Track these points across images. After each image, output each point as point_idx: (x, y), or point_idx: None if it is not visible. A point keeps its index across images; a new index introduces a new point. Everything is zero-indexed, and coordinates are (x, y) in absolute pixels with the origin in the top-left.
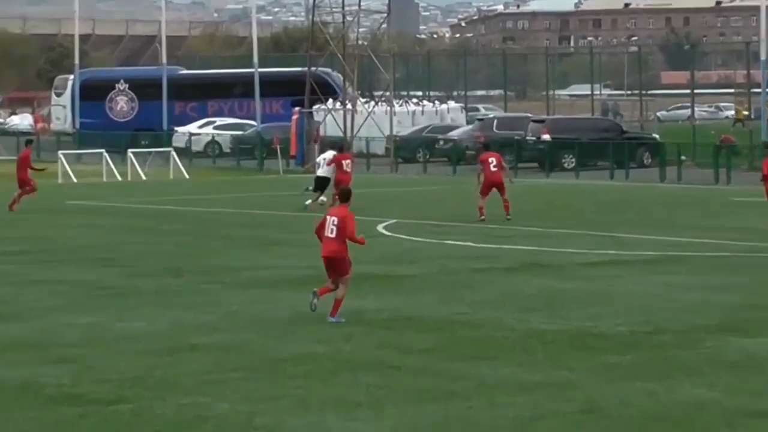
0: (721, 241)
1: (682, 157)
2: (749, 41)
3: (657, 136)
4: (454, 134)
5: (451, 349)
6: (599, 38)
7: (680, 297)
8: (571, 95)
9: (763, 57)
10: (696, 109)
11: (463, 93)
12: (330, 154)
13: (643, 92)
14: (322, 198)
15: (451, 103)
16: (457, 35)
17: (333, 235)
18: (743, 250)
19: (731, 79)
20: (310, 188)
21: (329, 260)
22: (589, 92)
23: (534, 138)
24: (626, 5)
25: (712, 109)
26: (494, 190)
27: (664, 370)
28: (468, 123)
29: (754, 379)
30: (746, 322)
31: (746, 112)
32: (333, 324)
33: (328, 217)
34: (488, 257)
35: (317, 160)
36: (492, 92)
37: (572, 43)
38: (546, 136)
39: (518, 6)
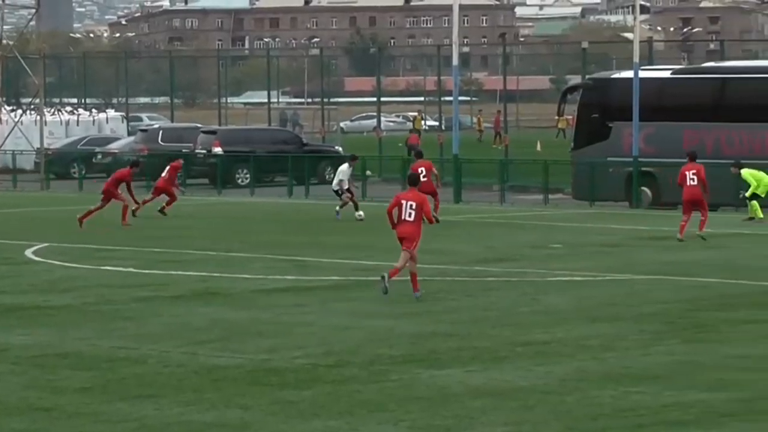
0: None
1: (368, 172)
2: (441, 44)
3: (340, 148)
4: (113, 147)
5: (111, 388)
6: (277, 39)
7: (365, 326)
8: (245, 103)
9: (455, 62)
10: (383, 119)
11: (124, 100)
12: None
13: (326, 100)
14: None
15: (111, 112)
16: (117, 34)
17: (412, 219)
18: (433, 273)
19: (421, 85)
20: None
21: (405, 238)
22: (266, 100)
23: (204, 151)
24: (307, 2)
25: (400, 119)
26: None
27: (347, 407)
28: (130, 134)
29: (443, 413)
30: (435, 352)
31: (431, 122)
32: None
33: (403, 201)
34: (153, 285)
35: None
36: (157, 99)
37: (247, 45)
38: (218, 149)
39: (186, 2)
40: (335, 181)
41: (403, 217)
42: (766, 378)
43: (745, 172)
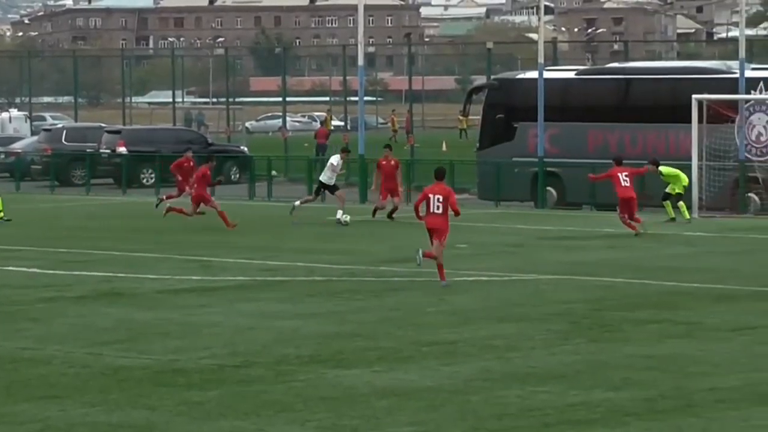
0: (316, 264)
1: (273, 172)
2: (346, 44)
3: (245, 148)
4: (17, 146)
5: (14, 390)
6: (182, 39)
7: (271, 326)
8: (150, 103)
9: (360, 62)
10: (288, 119)
11: (27, 100)
12: None
13: (231, 100)
14: None
15: (14, 112)
16: (20, 33)
17: (440, 211)
18: (339, 274)
19: (326, 85)
20: None
21: (435, 229)
22: (171, 100)
23: (109, 151)
24: (211, 2)
25: (306, 119)
26: None
27: (254, 407)
28: (33, 134)
29: (349, 413)
30: (340, 352)
31: (336, 122)
32: None
33: (431, 195)
34: (58, 285)
35: None
36: (61, 99)
37: (151, 44)
38: (122, 149)
39: (89, 1)
40: (326, 176)
41: (431, 210)
42: (669, 377)
43: (666, 170)
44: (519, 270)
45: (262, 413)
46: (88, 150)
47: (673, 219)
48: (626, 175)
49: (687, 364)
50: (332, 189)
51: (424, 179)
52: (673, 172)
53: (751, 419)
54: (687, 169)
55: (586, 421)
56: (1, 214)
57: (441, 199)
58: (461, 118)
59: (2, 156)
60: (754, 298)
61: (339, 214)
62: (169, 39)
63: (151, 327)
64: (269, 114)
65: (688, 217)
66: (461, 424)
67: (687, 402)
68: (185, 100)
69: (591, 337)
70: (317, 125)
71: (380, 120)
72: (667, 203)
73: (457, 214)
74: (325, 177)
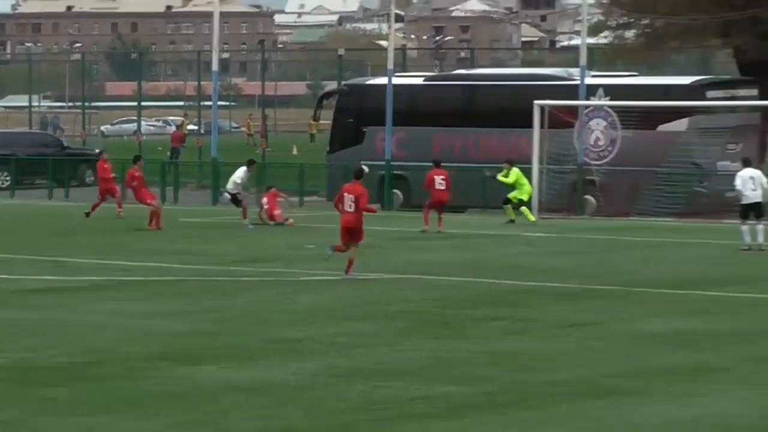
0: (168, 264)
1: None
2: (201, 50)
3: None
4: None
5: None
6: (39, 44)
7: (123, 324)
8: (6, 107)
9: (215, 68)
10: (143, 123)
11: None
12: None
13: (87, 104)
14: None
15: None
16: None
17: (352, 210)
18: (190, 273)
19: (181, 90)
20: None
21: (349, 229)
22: (27, 104)
23: None
24: (69, 8)
25: (160, 123)
26: None
27: (104, 403)
28: None
29: (198, 409)
30: (190, 350)
31: (191, 126)
32: None
33: (345, 194)
34: None
35: None
36: None
37: (9, 50)
38: None
39: None
40: (230, 185)
41: (345, 208)
42: (507, 372)
43: (512, 178)
44: (365, 270)
45: (113, 409)
46: None
47: (512, 221)
48: (442, 179)
49: (524, 359)
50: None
51: (276, 181)
52: (521, 180)
53: (582, 411)
54: (528, 172)
55: (427, 414)
56: None
57: (353, 199)
58: (312, 122)
59: None
60: (590, 296)
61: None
62: (27, 44)
63: (4, 326)
64: (124, 118)
65: (532, 219)
66: (307, 419)
67: (522, 395)
68: (41, 104)
69: (434, 334)
70: (172, 129)
71: (233, 124)
72: (508, 207)
73: (370, 211)
74: (230, 186)
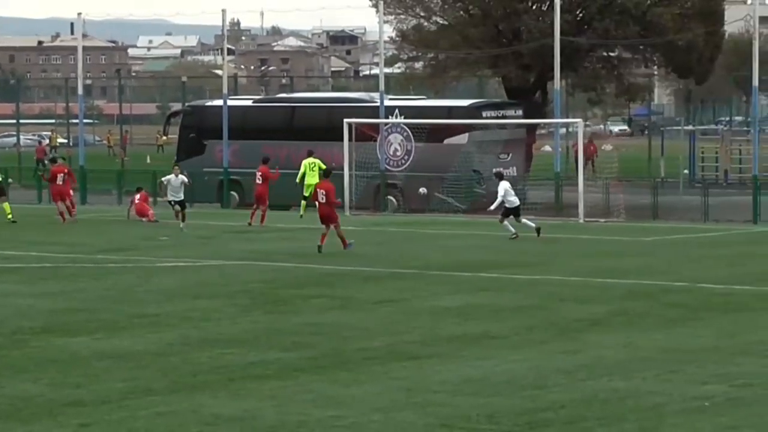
0: (45, 253)
1: (9, 180)
2: (68, 77)
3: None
4: None
5: None
6: None
7: (9, 303)
8: None
9: (80, 92)
10: (21, 137)
11: None
12: None
13: None
14: None
15: None
16: None
17: (324, 201)
18: (64, 261)
19: (52, 110)
20: None
21: (324, 216)
22: None
23: None
24: None
25: (35, 137)
26: None
27: None
28: None
29: (74, 373)
30: (67, 323)
31: (61, 140)
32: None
33: (318, 189)
34: None
35: None
36: None
37: None
38: None
39: None
40: (170, 196)
41: (319, 200)
42: (328, 340)
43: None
44: (209, 257)
45: (2, 374)
46: None
47: (301, 216)
48: (261, 175)
49: (343, 329)
50: (180, 204)
51: (132, 184)
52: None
53: (391, 372)
54: (340, 178)
55: (263, 375)
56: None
57: (324, 193)
58: (159, 136)
59: None
60: (393, 278)
61: (181, 224)
62: None
63: None
64: (6, 133)
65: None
66: (164, 380)
67: (342, 359)
68: None
69: (267, 310)
70: (46, 142)
71: (96, 138)
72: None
73: (336, 204)
74: (171, 196)
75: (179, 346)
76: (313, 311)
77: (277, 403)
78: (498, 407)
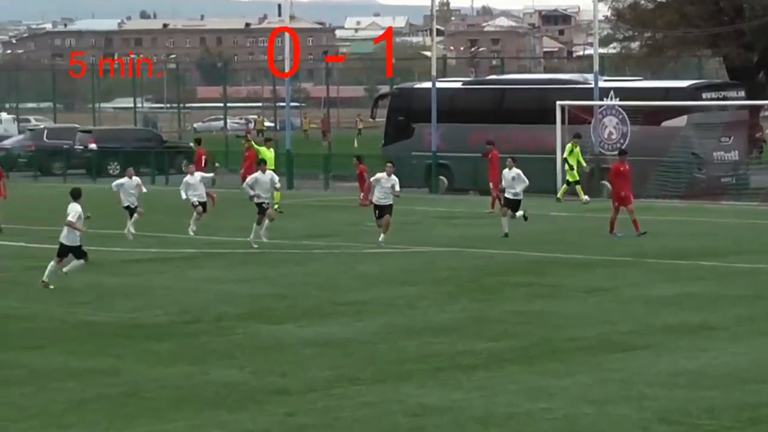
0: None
1: (216, 164)
2: (275, 60)
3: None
4: (6, 143)
5: (5, 341)
6: (141, 56)
7: (213, 289)
8: (115, 108)
9: (287, 75)
10: (228, 120)
11: (15, 106)
12: None
13: (181, 105)
14: None
15: (4, 115)
16: (9, 51)
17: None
18: (269, 246)
19: (259, 93)
20: None
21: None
22: (132, 105)
23: (81, 147)
24: (165, 26)
25: (242, 121)
26: None
27: (200, 355)
28: (20, 133)
29: (280, 360)
30: (270, 310)
31: (268, 123)
32: None
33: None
34: (40, 256)
35: None
36: (42, 105)
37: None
38: (93, 145)
39: (65, 25)
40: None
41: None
42: (538, 329)
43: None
44: (415, 243)
45: (207, 360)
46: (64, 146)
47: (558, 200)
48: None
49: (552, 318)
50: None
51: (340, 169)
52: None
53: (603, 363)
54: (553, 162)
55: (472, 365)
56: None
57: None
58: (359, 119)
59: None
60: (603, 266)
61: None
62: (131, 56)
63: (115, 290)
64: (213, 117)
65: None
66: (370, 369)
67: (552, 349)
68: (144, 105)
69: (474, 298)
70: (252, 126)
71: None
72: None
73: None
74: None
75: (385, 334)
76: (522, 299)
77: (486, 394)
78: (717, 402)
